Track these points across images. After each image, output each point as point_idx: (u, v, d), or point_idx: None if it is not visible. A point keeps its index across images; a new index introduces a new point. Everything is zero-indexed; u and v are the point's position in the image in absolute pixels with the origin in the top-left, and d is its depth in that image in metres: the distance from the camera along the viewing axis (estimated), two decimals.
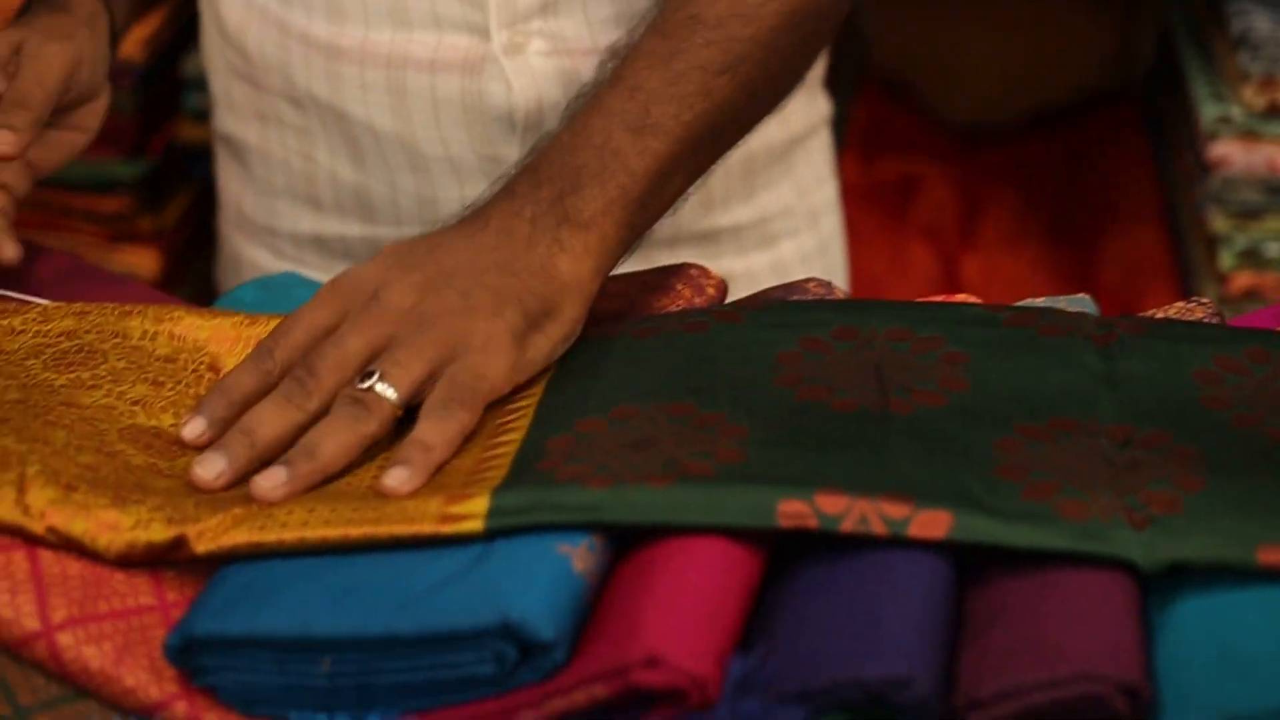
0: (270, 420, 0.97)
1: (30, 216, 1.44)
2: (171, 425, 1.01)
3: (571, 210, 1.05)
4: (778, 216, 1.46)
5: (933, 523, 0.87)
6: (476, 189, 1.15)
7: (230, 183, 1.46)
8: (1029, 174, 2.22)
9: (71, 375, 1.02)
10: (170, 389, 1.03)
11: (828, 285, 1.10)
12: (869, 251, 1.97)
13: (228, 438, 0.96)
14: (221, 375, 1.03)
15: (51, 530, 0.91)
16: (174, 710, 0.86)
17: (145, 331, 1.05)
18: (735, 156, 1.40)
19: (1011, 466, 0.91)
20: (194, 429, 0.98)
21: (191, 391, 1.03)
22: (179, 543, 0.91)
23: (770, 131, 1.42)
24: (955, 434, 0.93)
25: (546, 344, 1.02)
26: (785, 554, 0.89)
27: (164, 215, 1.82)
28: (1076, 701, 0.81)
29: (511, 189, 1.06)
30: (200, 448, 0.97)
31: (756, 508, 0.88)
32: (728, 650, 0.84)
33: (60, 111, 1.18)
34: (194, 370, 1.04)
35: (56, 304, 1.07)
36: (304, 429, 0.97)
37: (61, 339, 1.05)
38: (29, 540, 0.91)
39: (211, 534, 0.91)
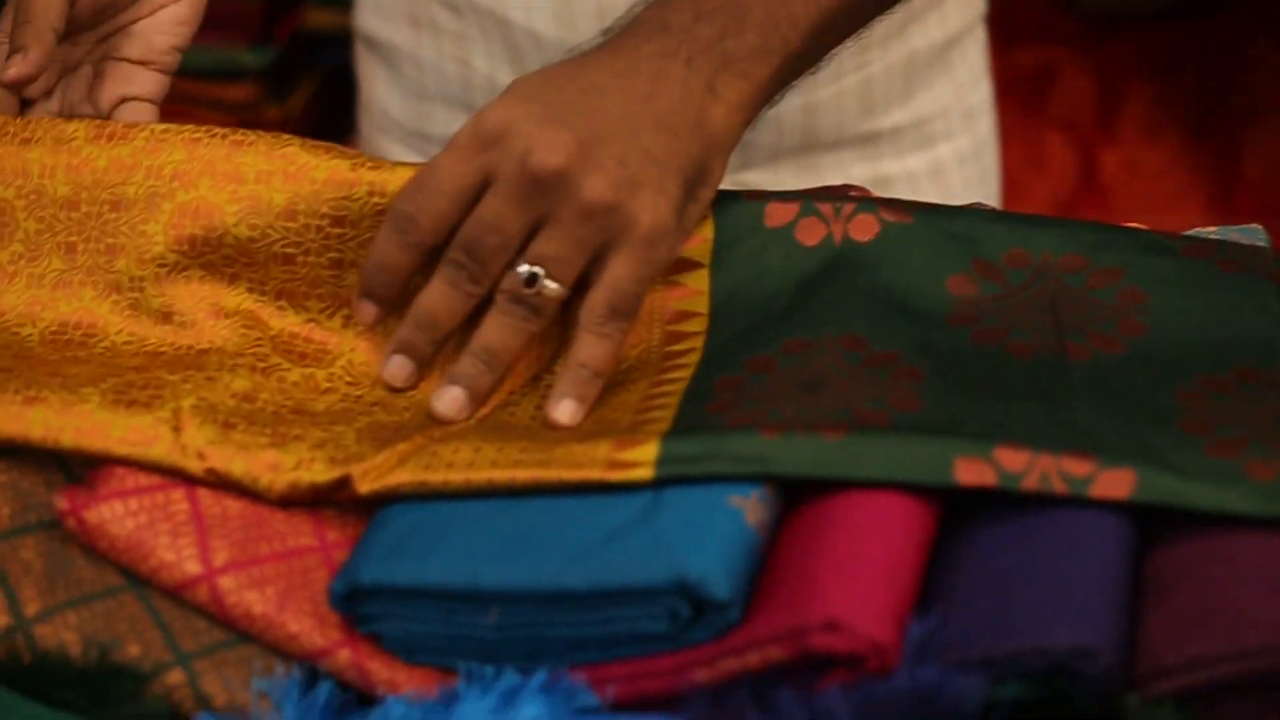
0: (447, 313, 0.96)
1: None
2: (321, 311, 1.00)
3: (732, 54, 0.99)
4: (936, 117, 1.43)
5: (1116, 482, 0.85)
6: None
7: (374, 84, 1.43)
8: (1168, 63, 2.17)
9: (201, 260, 0.99)
10: (301, 265, 1.00)
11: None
12: (1008, 146, 1.93)
13: (410, 336, 0.97)
14: (346, 229, 0.99)
15: (211, 472, 0.90)
16: (337, 658, 0.85)
17: (259, 172, 1.00)
18: (896, 57, 1.37)
19: (1196, 420, 0.88)
20: (368, 315, 0.98)
21: (325, 259, 1.00)
22: (342, 483, 0.90)
23: (930, 30, 1.39)
24: (1136, 384, 0.90)
25: (699, 212, 0.99)
26: (959, 507, 0.87)
27: (290, 103, 1.81)
28: (1264, 674, 0.79)
29: (665, 21, 1.00)
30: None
31: (933, 464, 0.86)
32: (906, 612, 0.82)
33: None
34: (318, 231, 0.99)
35: (165, 126, 1.02)
36: (473, 310, 0.96)
37: (175, 186, 1.00)
38: (187, 480, 0.90)
39: (376, 473, 0.89)
